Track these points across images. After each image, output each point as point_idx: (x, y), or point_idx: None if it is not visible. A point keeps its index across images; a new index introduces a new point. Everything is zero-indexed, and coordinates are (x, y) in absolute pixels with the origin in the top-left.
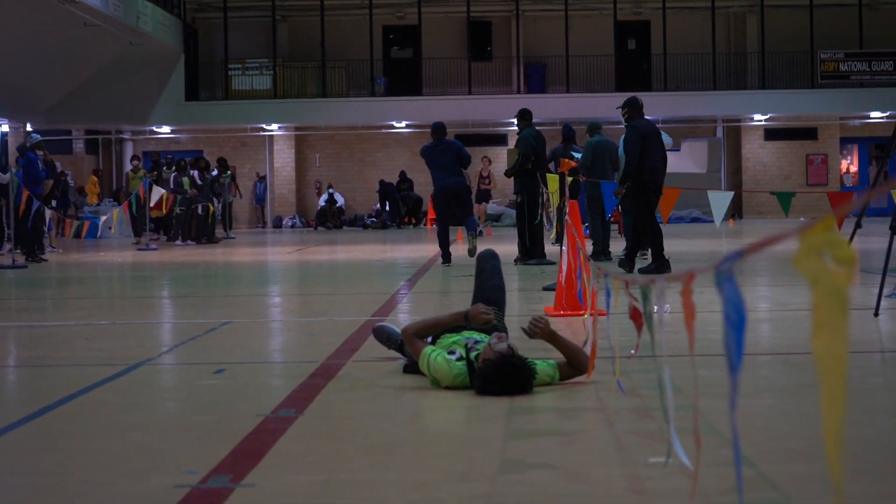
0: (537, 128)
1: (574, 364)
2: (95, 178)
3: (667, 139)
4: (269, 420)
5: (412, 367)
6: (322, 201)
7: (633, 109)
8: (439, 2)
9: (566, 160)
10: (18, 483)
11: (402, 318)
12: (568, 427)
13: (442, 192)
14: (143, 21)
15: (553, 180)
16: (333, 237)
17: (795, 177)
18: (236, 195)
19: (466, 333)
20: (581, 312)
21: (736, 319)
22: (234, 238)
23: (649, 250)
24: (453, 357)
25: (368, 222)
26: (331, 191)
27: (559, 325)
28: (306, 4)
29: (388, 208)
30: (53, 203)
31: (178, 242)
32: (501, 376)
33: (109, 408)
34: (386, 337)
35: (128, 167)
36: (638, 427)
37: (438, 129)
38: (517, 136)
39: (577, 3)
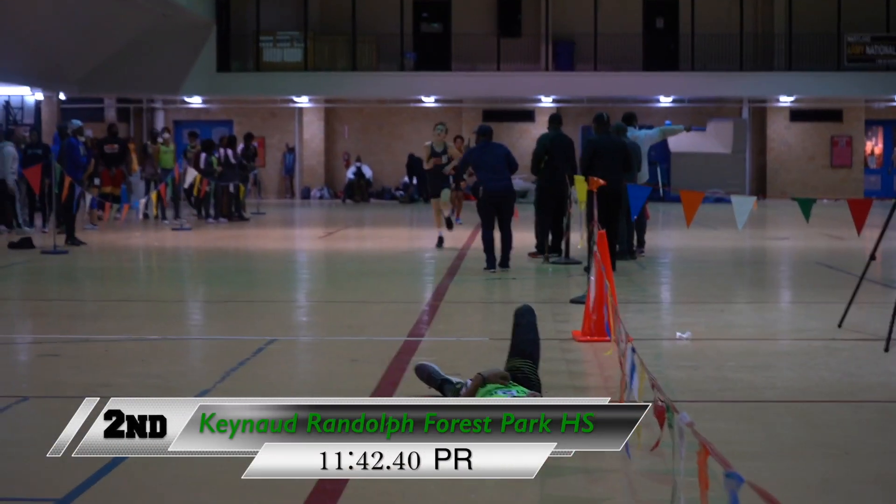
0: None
1: None
2: (133, 146)
3: (652, 133)
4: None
5: None
6: (350, 174)
7: (598, 125)
8: None
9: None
10: None
11: (437, 341)
12: (596, 493)
13: (491, 197)
14: None
15: (581, 188)
16: (361, 213)
17: (819, 158)
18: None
19: (501, 386)
20: (607, 339)
21: None
22: (264, 214)
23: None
24: None
25: (396, 195)
26: (359, 164)
27: (586, 353)
28: None
29: (415, 182)
30: (97, 181)
31: (211, 220)
32: None
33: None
34: (427, 376)
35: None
36: (657, 498)
37: (486, 131)
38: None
39: None
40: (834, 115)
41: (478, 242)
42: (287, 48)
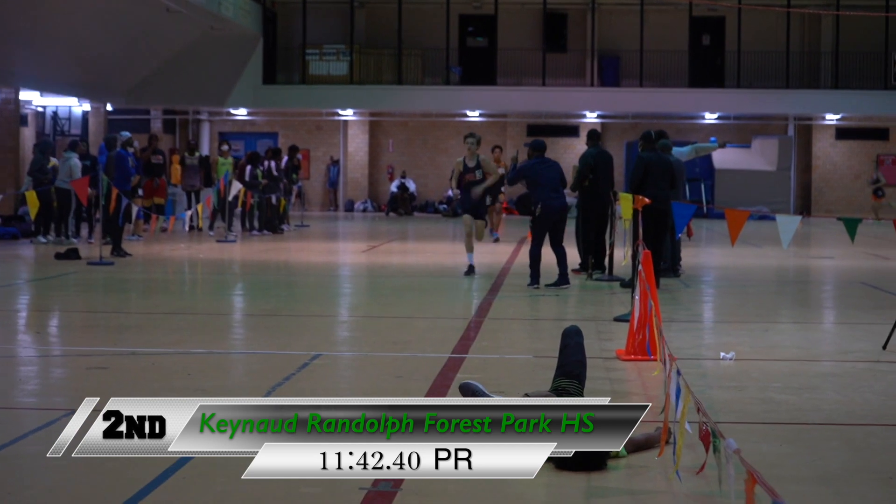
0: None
1: (647, 447)
2: (178, 157)
3: (683, 150)
4: (371, 496)
5: None
6: (394, 187)
7: (645, 142)
8: None
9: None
10: None
11: (481, 358)
12: None
13: (551, 213)
14: (224, 6)
15: (627, 206)
16: (404, 227)
17: (866, 176)
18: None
19: None
20: (651, 359)
21: None
22: (307, 226)
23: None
24: None
25: (440, 209)
26: (403, 179)
27: (630, 372)
28: None
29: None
30: (140, 192)
31: (255, 232)
32: (579, 454)
33: (223, 470)
34: (472, 394)
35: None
36: None
37: (541, 146)
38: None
39: None
40: (880, 134)
41: (521, 258)
42: (333, 61)
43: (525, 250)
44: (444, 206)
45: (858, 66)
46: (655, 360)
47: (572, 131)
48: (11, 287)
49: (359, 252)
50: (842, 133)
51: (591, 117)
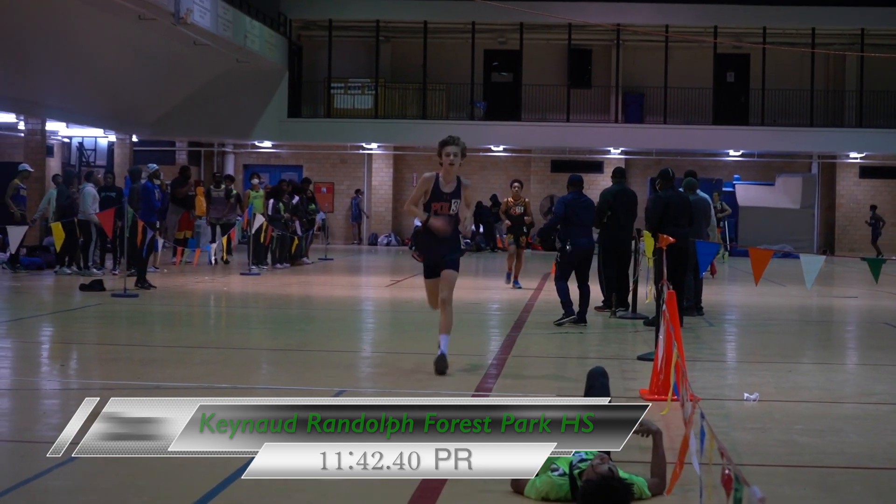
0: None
1: (657, 475)
2: (202, 190)
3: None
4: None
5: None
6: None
7: (664, 180)
8: (541, 28)
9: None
10: None
11: (505, 396)
12: None
13: (579, 252)
14: (250, 40)
15: (650, 244)
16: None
17: (889, 215)
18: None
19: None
20: (674, 398)
21: None
22: (331, 259)
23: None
24: (556, 473)
25: (463, 244)
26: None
27: (653, 412)
28: (410, 26)
29: (482, 230)
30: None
31: (279, 266)
32: (602, 497)
33: None
34: None
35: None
36: None
37: (578, 181)
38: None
39: (678, 35)
40: None
41: (545, 294)
42: (358, 95)
43: (548, 286)
44: (468, 241)
45: (883, 104)
46: (675, 400)
47: (596, 167)
48: (36, 318)
49: (382, 286)
50: (866, 171)
51: (615, 153)
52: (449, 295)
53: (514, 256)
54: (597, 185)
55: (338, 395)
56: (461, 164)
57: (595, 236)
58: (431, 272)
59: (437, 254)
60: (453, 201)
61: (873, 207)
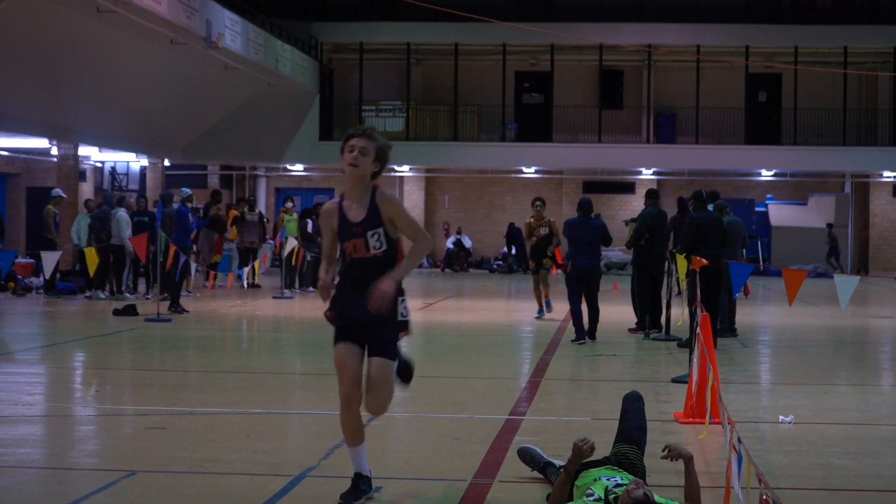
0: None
1: (692, 500)
2: (235, 213)
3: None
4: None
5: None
6: (450, 243)
7: (697, 201)
8: (572, 50)
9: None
10: None
11: (539, 420)
12: None
13: (577, 273)
14: (281, 63)
15: (683, 266)
16: (460, 283)
17: None
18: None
19: (607, 472)
20: (714, 422)
21: None
22: None
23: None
24: (591, 498)
25: (495, 266)
26: (459, 235)
27: (688, 436)
28: (441, 49)
29: (514, 252)
30: (195, 248)
31: (311, 289)
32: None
33: None
34: (529, 458)
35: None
36: None
37: (587, 205)
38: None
39: (709, 55)
40: None
41: None
42: (389, 117)
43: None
44: (500, 262)
45: None
46: (715, 422)
47: (628, 188)
48: (70, 343)
49: (415, 310)
50: None
51: (647, 174)
52: (384, 405)
53: (538, 286)
54: (629, 207)
55: (370, 420)
56: (382, 173)
57: (626, 256)
58: (346, 334)
59: (359, 316)
60: (370, 234)
61: None
